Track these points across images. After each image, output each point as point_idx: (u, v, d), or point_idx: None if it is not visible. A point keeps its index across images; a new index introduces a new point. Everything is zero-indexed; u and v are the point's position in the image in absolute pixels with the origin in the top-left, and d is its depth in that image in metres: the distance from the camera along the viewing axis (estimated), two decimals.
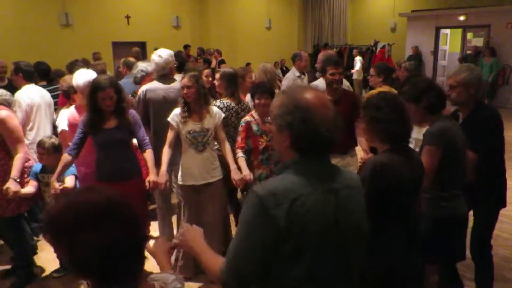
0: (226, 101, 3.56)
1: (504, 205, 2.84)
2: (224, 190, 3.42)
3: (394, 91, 3.89)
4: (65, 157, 2.89)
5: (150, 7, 11.61)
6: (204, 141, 3.15)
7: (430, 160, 2.23)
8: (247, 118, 3.28)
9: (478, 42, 12.56)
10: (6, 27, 9.03)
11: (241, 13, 13.74)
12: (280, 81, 5.50)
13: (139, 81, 3.88)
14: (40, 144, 3.00)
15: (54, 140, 3.07)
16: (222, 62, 9.97)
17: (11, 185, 2.82)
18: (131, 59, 5.14)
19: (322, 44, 15.30)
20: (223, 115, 3.32)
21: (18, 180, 2.88)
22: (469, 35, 13.01)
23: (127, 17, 11.11)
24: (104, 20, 10.59)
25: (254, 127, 3.22)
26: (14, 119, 3.02)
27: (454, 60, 12.91)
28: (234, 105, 3.58)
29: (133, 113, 3.13)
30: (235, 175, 3.09)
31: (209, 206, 3.23)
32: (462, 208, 2.40)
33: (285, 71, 13.44)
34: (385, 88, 3.99)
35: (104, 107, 2.88)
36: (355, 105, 3.44)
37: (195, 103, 3.11)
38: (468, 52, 12.25)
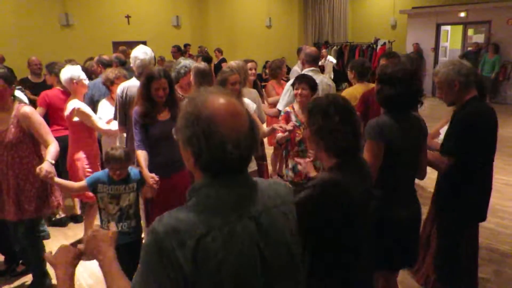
0: None
1: (478, 219, 2.59)
2: None
3: (371, 86, 3.87)
4: (142, 153, 2.83)
5: (150, 7, 11.62)
6: None
7: (370, 156, 2.01)
8: (287, 108, 3.32)
9: (479, 38, 12.51)
10: (6, 27, 9.05)
11: (241, 11, 13.74)
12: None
13: (182, 77, 3.89)
14: (113, 159, 2.61)
15: (121, 148, 2.72)
16: (223, 60, 9.97)
17: (45, 165, 2.62)
18: (106, 57, 5.08)
19: (322, 42, 15.29)
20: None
21: (53, 162, 2.71)
22: (470, 31, 12.97)
23: (127, 16, 11.12)
24: (104, 20, 10.60)
25: (293, 118, 3.24)
26: (37, 114, 2.93)
27: (455, 57, 12.86)
28: None
29: None
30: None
31: None
32: (401, 211, 2.11)
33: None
34: (358, 86, 3.94)
35: (157, 97, 2.85)
36: None
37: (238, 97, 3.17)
38: (469, 48, 12.23)
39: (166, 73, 2.91)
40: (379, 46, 13.58)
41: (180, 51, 9.40)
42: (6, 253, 3.45)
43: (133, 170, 2.81)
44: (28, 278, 3.34)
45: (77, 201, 4.44)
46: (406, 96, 2.05)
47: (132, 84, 3.47)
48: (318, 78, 3.88)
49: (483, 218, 2.59)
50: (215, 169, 1.04)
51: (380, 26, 15.15)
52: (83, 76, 3.58)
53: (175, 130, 1.10)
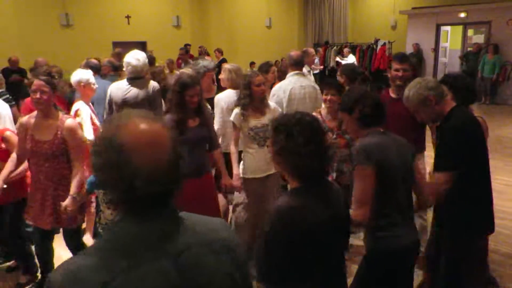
0: None
1: (484, 233, 2.48)
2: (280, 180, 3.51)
3: None
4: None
5: (150, 7, 11.61)
6: (266, 135, 3.25)
7: (361, 184, 1.92)
8: (314, 113, 3.29)
9: (479, 39, 12.53)
10: (6, 27, 9.04)
11: (241, 12, 13.74)
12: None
13: (202, 78, 3.86)
14: None
15: None
16: (223, 61, 9.98)
17: (68, 203, 2.73)
18: (94, 60, 4.98)
19: (322, 42, 15.29)
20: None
21: (76, 197, 2.79)
22: (470, 32, 12.98)
23: (128, 17, 11.12)
24: (104, 20, 10.60)
25: None
26: (80, 131, 2.94)
27: (455, 57, 12.89)
28: None
29: (209, 111, 3.26)
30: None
31: (270, 196, 3.31)
32: (406, 238, 2.02)
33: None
34: None
35: (191, 104, 2.91)
36: None
37: (261, 100, 3.22)
38: (470, 49, 12.24)
39: (198, 81, 3.00)
40: (379, 47, 13.58)
41: (188, 53, 9.44)
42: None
43: None
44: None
45: None
46: (374, 109, 2.02)
47: (119, 86, 3.49)
48: (304, 82, 3.85)
49: (491, 229, 2.45)
50: (128, 203, 0.92)
51: (380, 26, 15.14)
52: (92, 80, 3.64)
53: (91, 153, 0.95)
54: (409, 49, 13.12)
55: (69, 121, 2.79)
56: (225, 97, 3.66)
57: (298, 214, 1.48)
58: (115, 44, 10.35)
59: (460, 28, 12.92)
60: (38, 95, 2.68)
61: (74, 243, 3.03)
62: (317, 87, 3.98)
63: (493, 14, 11.50)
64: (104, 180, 0.91)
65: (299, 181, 1.58)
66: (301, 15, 16.04)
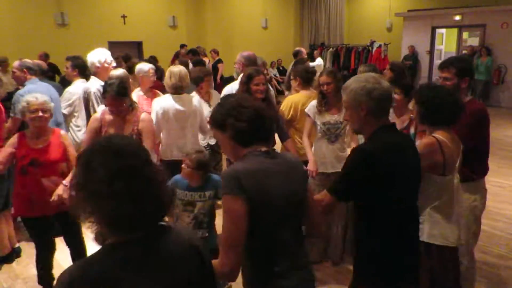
0: None
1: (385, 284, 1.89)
2: None
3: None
4: None
5: (146, 7, 11.58)
6: (337, 133, 3.31)
7: (228, 217, 1.46)
8: None
9: (474, 41, 12.61)
10: (2, 26, 9.00)
11: (237, 12, 13.74)
12: (279, 81, 5.51)
13: (240, 72, 3.92)
14: (188, 155, 2.71)
15: (201, 155, 2.66)
16: (219, 61, 9.96)
17: None
18: (28, 60, 4.32)
19: (318, 43, 15.33)
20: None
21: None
22: (465, 34, 13.06)
23: (123, 16, 11.08)
24: (100, 20, 10.56)
25: None
26: (152, 123, 3.12)
27: None
28: None
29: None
30: None
31: None
32: (281, 282, 1.55)
33: (281, 70, 13.43)
34: (302, 93, 3.66)
35: (257, 93, 3.02)
36: (479, 120, 2.62)
37: (333, 97, 3.26)
38: (464, 51, 12.30)
39: (262, 70, 3.22)
40: (374, 48, 13.64)
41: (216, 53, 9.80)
42: None
43: (213, 177, 2.73)
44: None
45: None
46: (252, 122, 1.56)
47: (91, 85, 3.87)
48: None
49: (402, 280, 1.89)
50: None
51: (376, 28, 15.21)
52: (145, 69, 4.11)
53: None
54: (404, 51, 13.21)
55: (143, 114, 2.98)
56: (162, 102, 3.48)
57: None
58: (111, 44, 10.32)
59: (455, 31, 13.01)
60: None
61: None
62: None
63: (488, 17, 11.58)
64: None
65: (113, 233, 1.09)
66: (297, 16, 16.07)
